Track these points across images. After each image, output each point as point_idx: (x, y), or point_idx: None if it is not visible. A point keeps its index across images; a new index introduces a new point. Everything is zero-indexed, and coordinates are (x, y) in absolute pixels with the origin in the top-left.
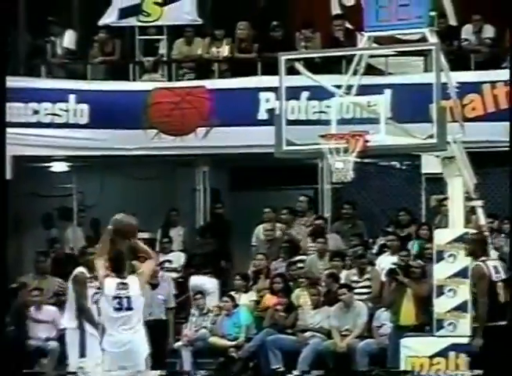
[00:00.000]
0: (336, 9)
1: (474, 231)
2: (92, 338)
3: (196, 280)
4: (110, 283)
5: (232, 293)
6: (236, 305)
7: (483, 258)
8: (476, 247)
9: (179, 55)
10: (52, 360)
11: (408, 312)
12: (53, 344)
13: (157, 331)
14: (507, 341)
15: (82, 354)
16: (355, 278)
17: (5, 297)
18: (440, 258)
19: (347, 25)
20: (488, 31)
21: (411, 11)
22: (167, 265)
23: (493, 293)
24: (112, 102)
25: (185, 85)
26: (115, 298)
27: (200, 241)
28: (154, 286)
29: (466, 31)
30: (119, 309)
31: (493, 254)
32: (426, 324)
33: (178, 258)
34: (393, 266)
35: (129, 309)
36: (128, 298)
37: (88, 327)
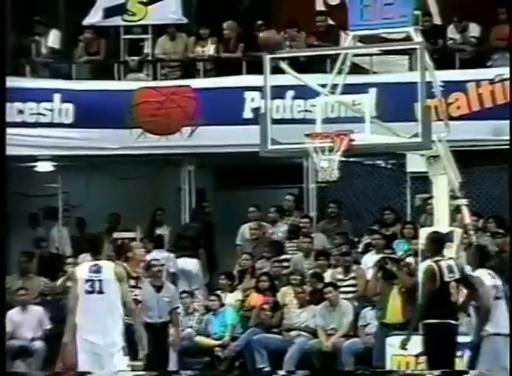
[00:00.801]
0: (320, 8)
1: (432, 231)
2: None
3: (180, 263)
4: (84, 267)
5: (218, 292)
6: (222, 305)
7: (437, 258)
8: (431, 246)
9: (163, 51)
10: (38, 360)
11: (395, 309)
12: (38, 344)
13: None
14: (451, 340)
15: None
16: (341, 277)
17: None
18: (425, 257)
19: (330, 21)
20: (474, 30)
21: (395, 10)
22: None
23: (446, 293)
24: (97, 101)
25: (171, 85)
26: (87, 281)
27: (185, 225)
28: (159, 288)
29: (452, 30)
30: (91, 292)
31: (450, 252)
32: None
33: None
34: (383, 255)
35: (100, 292)
36: (100, 281)
37: None
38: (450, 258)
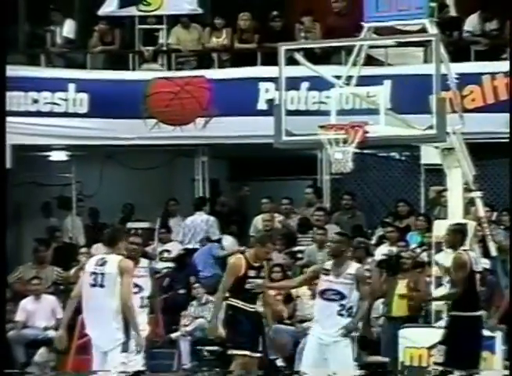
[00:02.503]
0: None
1: (455, 223)
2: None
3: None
4: (92, 259)
5: None
6: None
7: (464, 248)
8: (455, 238)
9: (177, 42)
10: (50, 350)
11: (400, 304)
12: (52, 333)
13: None
14: (477, 332)
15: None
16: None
17: (5, 285)
18: (439, 250)
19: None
20: (491, 23)
21: (411, 1)
22: (165, 255)
23: (473, 283)
24: (111, 91)
25: (185, 75)
26: (92, 273)
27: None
28: None
29: (471, 21)
30: (93, 285)
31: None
32: (418, 316)
33: (176, 248)
34: (383, 258)
35: (102, 286)
36: (103, 274)
37: None
38: (472, 250)
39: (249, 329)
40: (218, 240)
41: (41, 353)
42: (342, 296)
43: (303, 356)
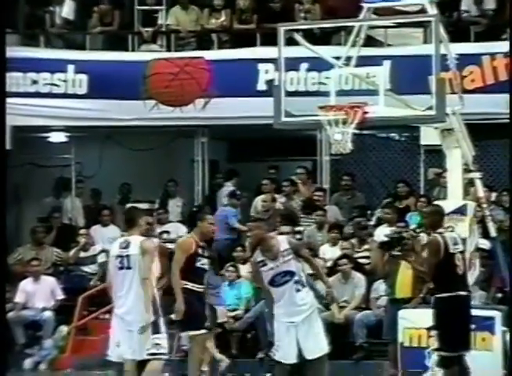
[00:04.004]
0: None
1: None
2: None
3: None
4: (116, 243)
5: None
6: (238, 276)
7: (440, 231)
8: (432, 219)
9: (176, 22)
10: (47, 331)
11: (403, 285)
12: (48, 314)
13: None
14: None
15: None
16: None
17: (4, 267)
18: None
19: None
20: (489, 2)
21: None
22: (165, 236)
23: (451, 264)
24: (111, 72)
25: (184, 56)
26: (118, 256)
27: None
28: None
29: (467, 2)
30: (121, 268)
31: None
32: (422, 297)
33: (176, 230)
34: (385, 239)
35: (129, 268)
36: (128, 256)
37: None
38: (452, 231)
39: (202, 309)
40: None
41: (61, 331)
42: (291, 273)
43: (279, 346)
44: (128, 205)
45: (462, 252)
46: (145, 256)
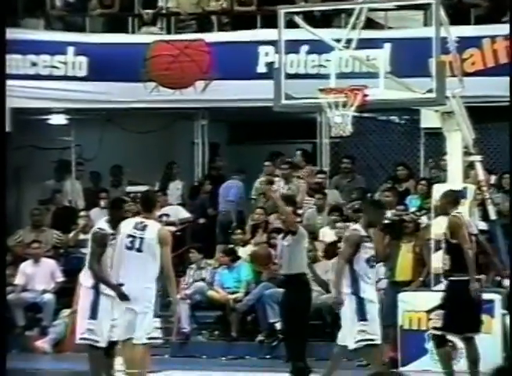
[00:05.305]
0: None
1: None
2: (108, 299)
3: None
4: (130, 222)
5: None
6: (237, 258)
7: (457, 211)
8: (447, 203)
9: (177, 5)
10: (47, 313)
11: (404, 268)
12: (49, 296)
13: None
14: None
15: (93, 316)
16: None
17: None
18: (438, 214)
19: None
20: None
21: None
22: (164, 219)
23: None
24: (111, 54)
25: (185, 38)
26: (129, 236)
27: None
28: None
29: None
30: (130, 248)
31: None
32: (422, 280)
33: (175, 212)
34: (386, 221)
35: (139, 250)
36: (142, 239)
37: (102, 288)
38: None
39: None
40: None
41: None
42: None
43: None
44: (128, 188)
45: (475, 235)
46: (164, 246)
